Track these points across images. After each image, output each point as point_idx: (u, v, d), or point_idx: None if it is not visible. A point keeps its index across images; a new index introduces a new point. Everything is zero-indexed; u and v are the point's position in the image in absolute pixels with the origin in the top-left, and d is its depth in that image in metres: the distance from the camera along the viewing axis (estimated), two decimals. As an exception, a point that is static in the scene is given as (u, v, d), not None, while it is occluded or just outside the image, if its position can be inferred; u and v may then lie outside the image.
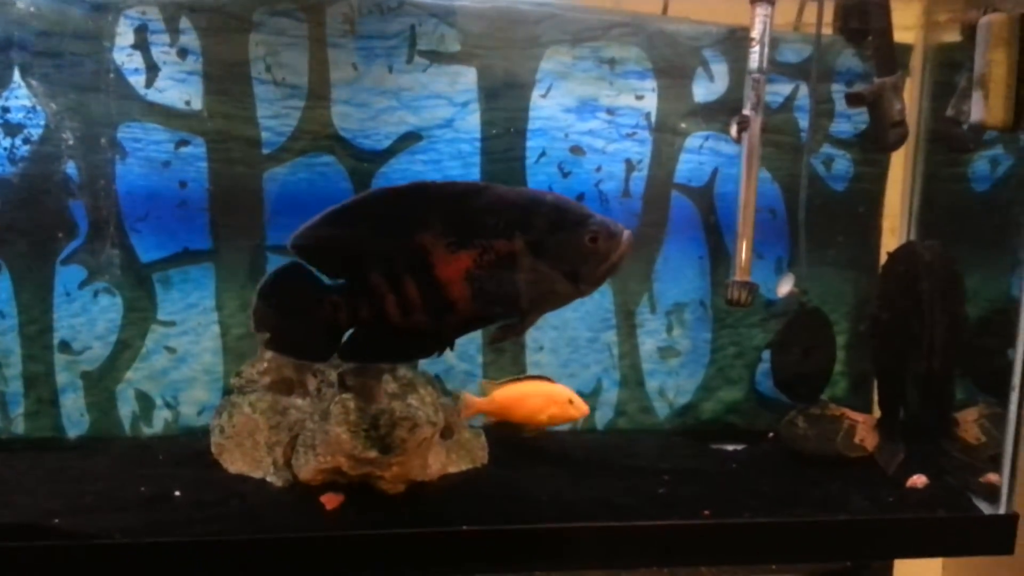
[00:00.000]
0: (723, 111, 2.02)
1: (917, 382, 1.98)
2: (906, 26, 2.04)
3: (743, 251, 1.92)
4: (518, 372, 2.04)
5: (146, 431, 1.96)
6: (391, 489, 1.68)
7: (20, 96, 1.82)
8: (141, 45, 1.85)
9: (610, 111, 2.02)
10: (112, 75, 1.84)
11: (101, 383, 1.93)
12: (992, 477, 1.78)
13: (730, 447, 2.04)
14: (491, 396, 1.91)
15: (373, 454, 1.64)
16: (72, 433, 1.93)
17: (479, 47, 1.95)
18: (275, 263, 1.85)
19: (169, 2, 1.84)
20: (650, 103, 2.03)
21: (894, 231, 2.17)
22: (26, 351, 1.89)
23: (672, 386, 2.13)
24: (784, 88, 2.07)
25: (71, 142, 1.84)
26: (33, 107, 1.82)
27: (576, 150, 2.03)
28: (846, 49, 2.07)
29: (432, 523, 1.59)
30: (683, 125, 2.05)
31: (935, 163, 2.14)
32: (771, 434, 2.08)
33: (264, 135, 1.91)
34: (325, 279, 1.56)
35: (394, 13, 1.91)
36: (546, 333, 2.07)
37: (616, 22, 1.99)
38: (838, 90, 2.08)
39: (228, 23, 1.87)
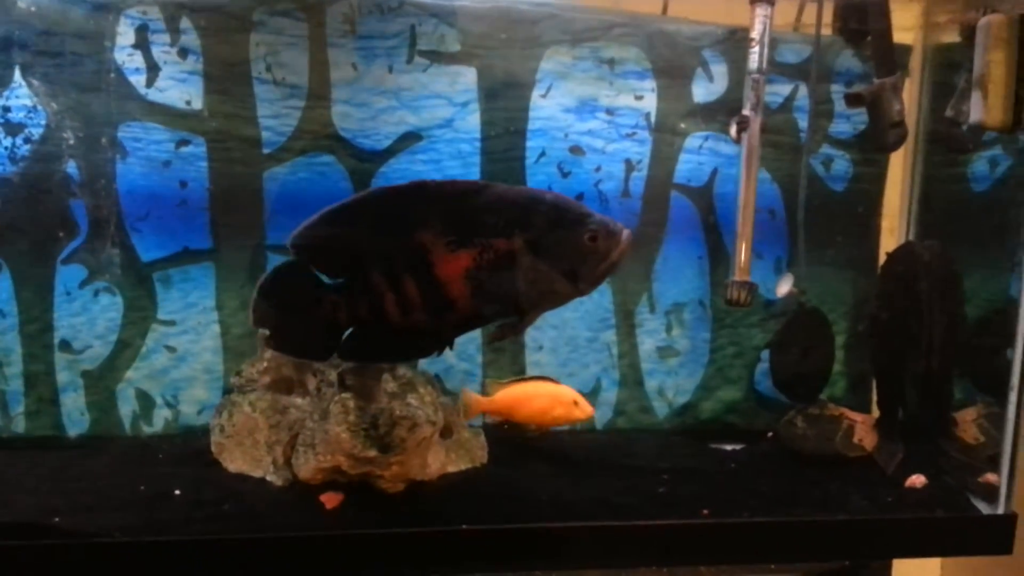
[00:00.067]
0: (722, 111, 2.02)
1: (916, 382, 1.98)
2: (905, 27, 2.04)
3: (742, 251, 1.93)
4: (517, 371, 2.04)
5: (146, 430, 1.96)
6: (391, 488, 1.68)
7: (21, 95, 1.82)
8: (142, 45, 1.85)
9: (610, 111, 2.02)
10: (113, 75, 1.85)
11: (101, 382, 1.93)
12: (991, 477, 1.78)
13: (729, 447, 2.03)
14: (496, 396, 1.91)
15: (373, 453, 1.64)
16: (72, 432, 1.93)
17: (479, 47, 1.95)
18: (275, 263, 1.85)
19: (169, 2, 1.84)
20: (650, 103, 2.03)
21: (893, 231, 2.17)
22: (27, 350, 1.90)
23: (671, 386, 2.13)
24: (783, 88, 2.07)
25: (72, 141, 1.85)
26: (34, 106, 1.83)
27: (576, 150, 2.03)
28: (845, 50, 2.07)
29: (431, 522, 1.59)
30: (683, 125, 2.05)
31: (934, 163, 2.14)
32: (770, 434, 2.07)
33: (264, 135, 1.91)
34: (325, 278, 1.56)
35: (394, 13, 1.91)
36: (545, 332, 2.07)
37: (616, 22, 2.00)
38: (837, 90, 2.08)
39: (228, 23, 1.87)
